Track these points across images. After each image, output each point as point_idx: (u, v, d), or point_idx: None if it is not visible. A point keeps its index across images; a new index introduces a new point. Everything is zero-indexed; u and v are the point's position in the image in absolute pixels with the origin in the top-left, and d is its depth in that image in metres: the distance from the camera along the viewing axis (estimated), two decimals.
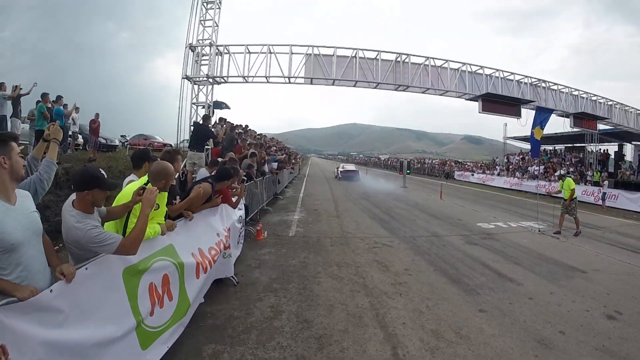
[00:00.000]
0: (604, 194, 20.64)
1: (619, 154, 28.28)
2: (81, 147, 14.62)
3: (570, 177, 11.30)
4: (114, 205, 3.56)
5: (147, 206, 3.11)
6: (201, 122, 10.65)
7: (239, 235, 7.06)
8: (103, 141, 15.42)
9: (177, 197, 4.72)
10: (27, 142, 10.55)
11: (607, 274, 7.21)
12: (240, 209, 7.34)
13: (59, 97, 11.39)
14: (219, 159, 8.26)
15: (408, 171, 30.18)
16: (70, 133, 12.38)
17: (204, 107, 11.81)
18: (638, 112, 18.27)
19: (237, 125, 13.75)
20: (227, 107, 15.23)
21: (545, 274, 6.94)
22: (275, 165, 15.79)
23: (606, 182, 21.65)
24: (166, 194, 3.92)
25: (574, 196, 11.07)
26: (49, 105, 10.79)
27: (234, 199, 6.41)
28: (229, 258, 5.62)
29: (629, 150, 28.93)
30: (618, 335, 4.51)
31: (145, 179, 3.76)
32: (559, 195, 11.41)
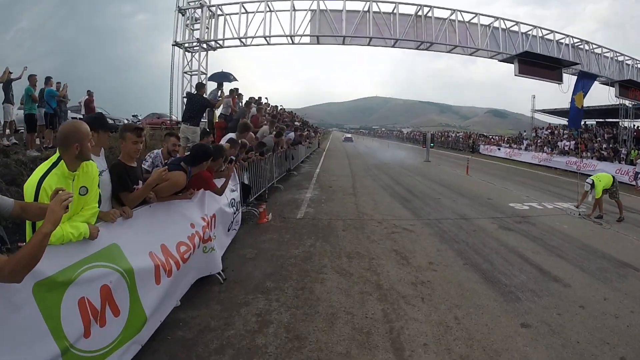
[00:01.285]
0: (637, 173, 19.11)
1: None
2: None
3: (600, 174, 9.63)
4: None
5: (49, 223, 2.04)
6: (195, 91, 9.56)
7: (232, 222, 6.04)
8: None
9: (139, 182, 3.65)
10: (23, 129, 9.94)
11: None
12: (233, 190, 6.30)
13: (48, 78, 10.65)
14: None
15: (432, 144, 28.82)
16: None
17: (198, 76, 10.58)
18: None
19: (250, 97, 12.70)
20: (235, 79, 14.14)
21: (594, 272, 5.77)
22: (292, 136, 14.71)
23: None
24: (95, 174, 2.86)
25: (613, 182, 9.51)
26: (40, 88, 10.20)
27: (219, 184, 5.24)
28: (211, 252, 4.56)
29: None
30: None
31: (54, 156, 2.70)
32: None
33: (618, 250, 7.06)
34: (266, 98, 14.97)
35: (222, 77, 12.69)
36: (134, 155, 3.59)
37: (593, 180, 9.34)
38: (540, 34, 13.29)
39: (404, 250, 6.29)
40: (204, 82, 10.41)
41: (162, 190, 3.82)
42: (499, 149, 37.30)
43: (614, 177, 9.56)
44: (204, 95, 9.38)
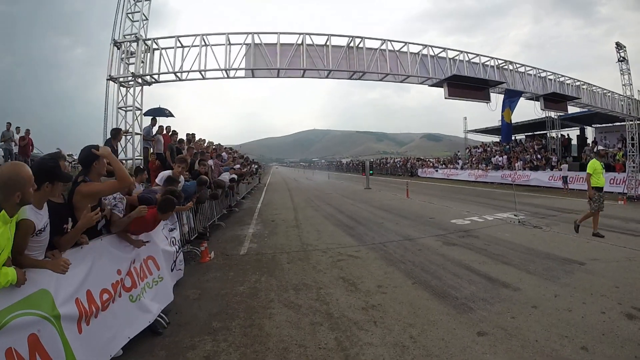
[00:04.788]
0: (565, 177, 21.16)
1: (582, 137, 29.06)
2: None
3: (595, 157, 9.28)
4: None
5: None
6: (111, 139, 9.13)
7: (174, 261, 5.76)
8: None
9: (70, 220, 3.40)
10: None
11: (607, 262, 6.59)
12: (173, 229, 6.06)
13: None
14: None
15: (371, 172, 29.41)
16: None
17: (133, 112, 10.17)
18: (605, 91, 18.05)
19: (173, 131, 12.39)
20: (171, 115, 13.82)
21: (541, 272, 6.12)
22: (227, 177, 14.47)
23: (565, 166, 21.90)
24: (13, 218, 2.63)
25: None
26: None
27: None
28: (138, 301, 4.20)
29: (590, 133, 29.64)
30: None
31: None
32: (598, 185, 8.90)
33: (561, 249, 7.55)
34: (193, 134, 14.74)
35: (157, 113, 12.35)
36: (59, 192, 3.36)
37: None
38: (467, 58, 14.15)
39: (351, 276, 6.23)
40: (119, 128, 9.97)
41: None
42: (437, 171, 39.19)
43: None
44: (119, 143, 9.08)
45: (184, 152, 10.85)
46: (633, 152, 17.57)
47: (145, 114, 10.98)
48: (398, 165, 52.63)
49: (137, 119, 10.09)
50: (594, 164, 8.87)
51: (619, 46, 17.52)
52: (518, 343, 3.81)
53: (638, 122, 18.94)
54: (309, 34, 11.79)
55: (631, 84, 17.75)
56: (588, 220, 9.06)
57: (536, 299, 4.98)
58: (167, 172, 7.52)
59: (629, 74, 17.69)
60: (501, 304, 4.85)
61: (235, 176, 13.70)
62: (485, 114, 16.16)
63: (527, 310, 4.63)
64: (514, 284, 5.58)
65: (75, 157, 21.79)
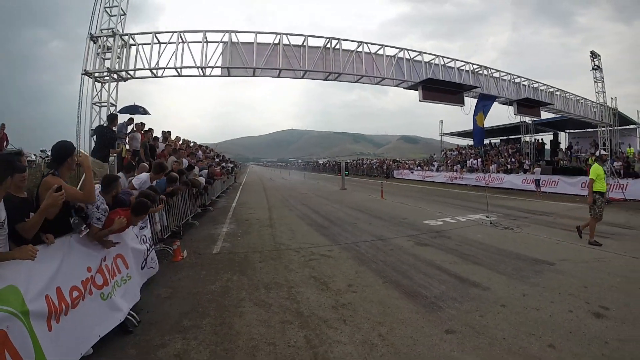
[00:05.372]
0: (538, 180, 21.81)
1: (555, 142, 30.01)
2: None
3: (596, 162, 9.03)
4: None
5: None
6: (106, 124, 9.11)
7: (145, 259, 5.74)
8: None
9: (30, 213, 3.39)
10: None
11: (576, 262, 6.82)
12: (144, 227, 6.04)
13: None
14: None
15: (347, 172, 29.62)
16: None
17: (108, 108, 9.99)
18: (577, 98, 18.66)
19: (149, 129, 12.27)
20: (146, 112, 13.62)
21: (511, 272, 6.30)
22: (204, 173, 14.41)
23: (538, 169, 22.60)
24: None
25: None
26: None
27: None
28: (109, 299, 4.21)
29: (563, 138, 30.84)
30: (614, 337, 3.90)
31: None
32: (601, 190, 8.58)
33: (531, 250, 7.76)
34: (169, 131, 14.67)
35: (131, 110, 12.17)
36: (21, 185, 3.36)
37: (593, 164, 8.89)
38: (443, 62, 14.43)
39: (322, 275, 6.32)
40: (115, 113, 9.90)
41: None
42: (412, 172, 39.77)
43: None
44: (113, 129, 8.99)
45: (159, 150, 10.80)
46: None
47: (120, 112, 10.82)
48: (374, 167, 53.11)
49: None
50: (597, 170, 8.53)
51: (594, 55, 18.14)
52: (486, 341, 3.93)
53: (610, 128, 19.71)
54: (286, 34, 11.85)
55: (604, 92, 18.41)
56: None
57: (505, 298, 5.13)
58: (145, 176, 7.50)
59: (603, 81, 18.33)
60: (470, 303, 4.98)
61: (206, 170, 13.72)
62: (461, 117, 16.55)
63: (496, 309, 4.76)
64: (483, 284, 5.74)
65: (49, 153, 21.36)
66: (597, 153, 11.57)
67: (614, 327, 4.16)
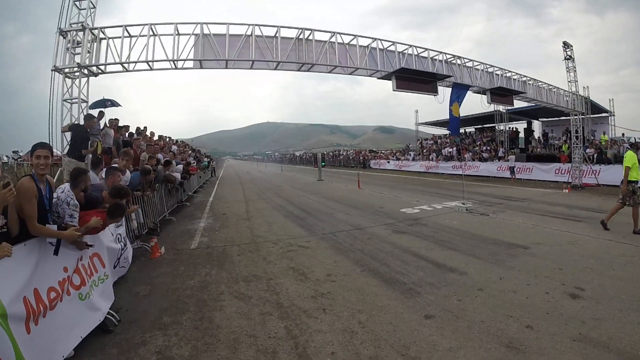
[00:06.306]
0: (512, 167, 22.13)
1: (529, 130, 30.71)
2: None
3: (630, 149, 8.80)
4: None
5: None
6: (83, 123, 8.93)
7: (118, 258, 5.69)
8: None
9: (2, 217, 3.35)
10: None
11: (550, 246, 7.04)
12: (119, 225, 5.99)
13: None
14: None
15: (323, 163, 29.70)
16: None
17: (79, 104, 9.71)
18: (550, 87, 19.09)
19: (124, 126, 12.07)
20: (115, 104, 13.25)
21: (487, 257, 6.49)
22: (179, 169, 14.26)
23: (512, 157, 23.13)
24: None
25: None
26: None
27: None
28: (87, 299, 4.17)
29: (537, 126, 31.56)
30: (591, 317, 4.06)
31: None
32: (636, 179, 8.11)
33: (506, 235, 7.99)
34: (145, 127, 14.50)
35: (99, 104, 11.88)
36: None
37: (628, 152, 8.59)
38: (416, 52, 14.48)
39: (301, 266, 6.39)
40: (91, 112, 9.70)
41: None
42: (389, 162, 40.13)
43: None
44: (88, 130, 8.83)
45: (136, 148, 10.63)
46: (577, 144, 18.77)
47: (91, 107, 10.57)
48: (351, 157, 53.40)
49: (82, 111, 9.70)
50: (633, 157, 8.08)
51: (566, 45, 18.56)
52: (464, 324, 4.04)
53: (583, 116, 20.31)
54: (259, 25, 11.72)
55: (576, 81, 18.87)
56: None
57: (482, 282, 5.29)
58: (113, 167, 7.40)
59: (575, 71, 18.79)
60: (448, 288, 5.11)
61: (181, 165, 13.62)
62: (435, 106, 16.75)
63: (473, 292, 4.91)
64: (460, 269, 5.89)
65: (21, 154, 20.71)
66: (633, 141, 10.98)
67: (589, 307, 4.33)
